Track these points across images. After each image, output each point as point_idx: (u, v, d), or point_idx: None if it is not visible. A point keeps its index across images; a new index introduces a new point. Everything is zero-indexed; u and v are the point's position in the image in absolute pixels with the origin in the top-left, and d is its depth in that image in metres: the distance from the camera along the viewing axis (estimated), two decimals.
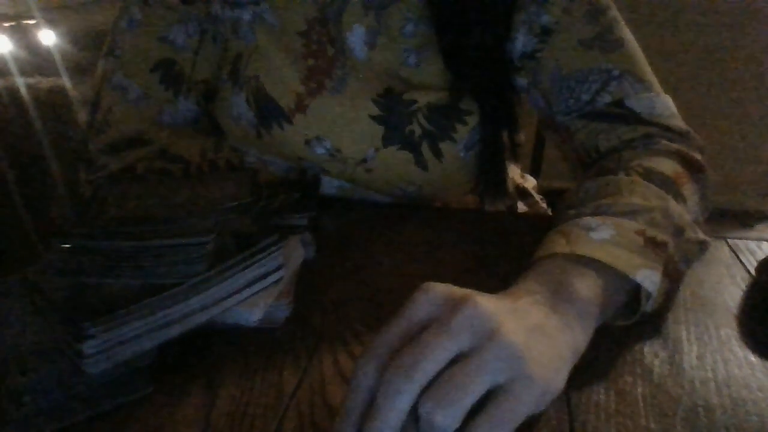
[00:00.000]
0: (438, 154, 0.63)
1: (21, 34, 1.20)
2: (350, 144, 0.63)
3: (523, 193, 0.86)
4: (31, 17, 1.27)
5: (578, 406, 0.36)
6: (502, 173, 0.70)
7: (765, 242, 0.57)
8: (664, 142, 0.56)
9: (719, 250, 0.56)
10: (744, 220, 2.07)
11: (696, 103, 1.98)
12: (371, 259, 0.55)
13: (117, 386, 0.37)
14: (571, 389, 0.36)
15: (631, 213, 0.43)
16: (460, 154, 0.63)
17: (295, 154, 0.65)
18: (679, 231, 0.44)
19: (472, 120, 0.63)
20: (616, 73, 0.58)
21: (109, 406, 0.36)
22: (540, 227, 0.49)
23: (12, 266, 0.47)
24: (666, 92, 0.60)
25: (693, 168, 0.53)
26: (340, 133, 0.63)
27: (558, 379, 0.33)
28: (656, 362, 0.40)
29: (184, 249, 0.42)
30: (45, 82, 0.93)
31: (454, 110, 0.62)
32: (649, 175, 0.49)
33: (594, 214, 0.44)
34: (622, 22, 0.61)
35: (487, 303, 0.31)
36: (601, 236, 0.41)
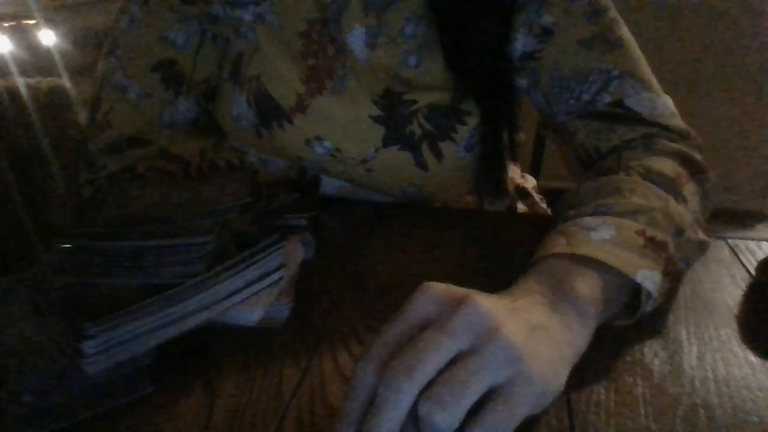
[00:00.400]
0: (438, 154, 0.63)
1: (21, 34, 1.20)
2: (350, 144, 0.63)
3: (523, 193, 0.86)
4: (31, 17, 1.27)
5: (578, 406, 0.36)
6: (502, 173, 0.70)
7: (765, 242, 0.57)
8: (665, 142, 0.56)
9: (719, 250, 0.56)
10: (744, 220, 2.07)
11: (696, 103, 1.99)
12: (371, 259, 0.55)
13: (117, 386, 0.37)
14: (571, 389, 0.36)
15: (632, 213, 0.43)
16: (460, 154, 0.63)
17: (296, 154, 0.65)
18: (679, 231, 0.44)
19: (472, 120, 0.63)
20: (616, 73, 0.58)
21: (109, 406, 0.36)
22: (540, 227, 0.49)
23: (12, 266, 0.47)
24: (666, 92, 0.60)
25: (693, 168, 0.53)
26: (341, 133, 0.63)
27: (558, 379, 0.33)
28: (656, 362, 0.40)
29: (184, 249, 0.42)
30: (45, 82, 0.92)
31: (454, 111, 0.62)
32: (650, 175, 0.49)
33: (594, 214, 0.44)
34: (622, 23, 0.61)
35: (486, 303, 0.31)
36: (601, 236, 0.41)
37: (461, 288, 0.33)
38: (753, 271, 0.51)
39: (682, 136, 0.58)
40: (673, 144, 0.55)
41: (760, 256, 0.54)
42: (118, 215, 0.48)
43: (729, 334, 0.43)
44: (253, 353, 0.42)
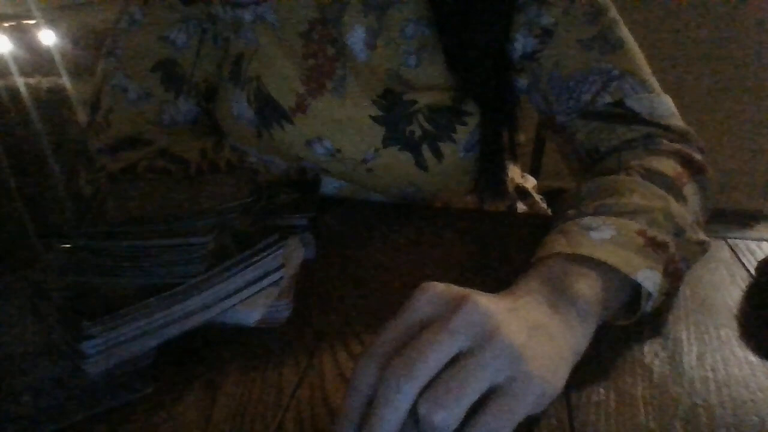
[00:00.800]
0: (438, 154, 0.63)
1: (21, 34, 1.20)
2: (350, 144, 0.63)
3: (523, 193, 0.86)
4: (31, 17, 1.27)
5: (578, 406, 0.36)
6: (502, 174, 0.70)
7: (765, 242, 0.57)
8: (665, 142, 0.56)
9: (719, 250, 0.56)
10: (744, 220, 2.07)
11: (696, 103, 1.99)
12: (371, 259, 0.55)
13: (117, 386, 0.37)
14: (571, 389, 0.36)
15: (632, 213, 0.43)
16: (460, 154, 0.63)
17: (296, 154, 0.65)
18: (679, 231, 0.44)
19: (473, 121, 0.63)
20: (616, 73, 0.58)
21: (109, 406, 0.36)
22: (540, 227, 0.49)
23: (12, 266, 0.47)
24: (665, 92, 0.60)
25: (694, 168, 0.53)
26: (341, 134, 0.63)
27: (558, 379, 0.33)
28: (656, 362, 0.40)
29: (184, 249, 0.42)
30: (45, 82, 0.92)
31: (454, 111, 0.62)
32: (650, 175, 0.49)
33: (595, 214, 0.44)
34: (622, 23, 0.61)
35: (486, 302, 0.31)
36: (601, 236, 0.41)
37: (461, 288, 0.33)
38: (753, 271, 0.51)
39: (682, 136, 0.58)
40: (673, 144, 0.55)
41: (760, 256, 0.54)
42: (118, 215, 0.48)
43: (729, 334, 0.43)
44: (253, 353, 0.42)
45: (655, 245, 0.41)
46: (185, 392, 0.38)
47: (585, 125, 0.60)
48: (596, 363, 0.39)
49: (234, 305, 0.43)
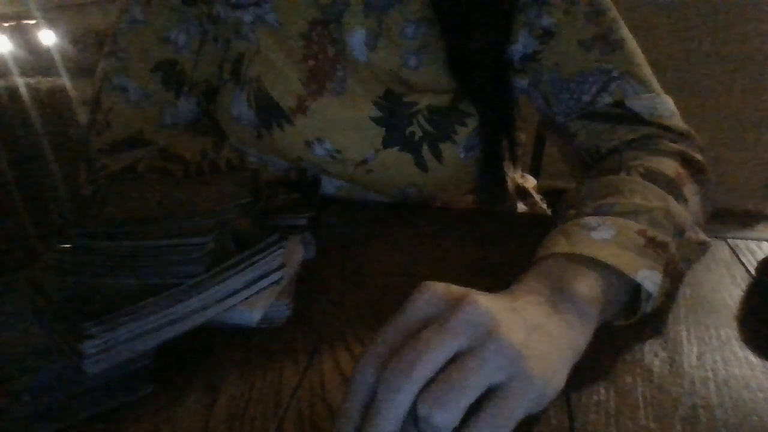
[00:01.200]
0: (438, 155, 0.63)
1: (21, 34, 1.20)
2: (350, 145, 0.63)
3: (523, 193, 0.86)
4: (31, 17, 1.27)
5: (578, 406, 0.36)
6: (502, 174, 0.70)
7: (765, 242, 0.57)
8: (665, 142, 0.56)
9: (719, 250, 0.56)
10: (744, 220, 2.07)
11: (696, 103, 1.98)
12: (371, 259, 0.55)
13: (117, 386, 0.37)
14: (571, 389, 0.36)
15: (632, 213, 0.43)
16: (460, 155, 0.63)
17: (295, 154, 0.65)
18: (679, 231, 0.44)
19: (473, 122, 0.63)
20: (616, 73, 0.58)
21: (109, 406, 0.36)
22: (540, 227, 0.49)
23: (12, 266, 0.47)
24: (665, 92, 0.60)
25: (694, 168, 0.53)
26: (341, 135, 0.63)
27: (557, 379, 0.33)
28: (656, 362, 0.40)
29: (184, 249, 0.42)
30: (45, 82, 0.92)
31: (454, 112, 0.62)
32: (650, 176, 0.49)
33: (595, 214, 0.44)
34: (622, 23, 0.61)
35: (486, 302, 0.31)
36: (601, 236, 0.41)
37: (461, 287, 0.33)
38: (753, 271, 0.51)
39: (682, 136, 0.58)
40: (673, 144, 0.55)
41: (760, 256, 0.54)
42: (118, 215, 0.48)
43: (729, 334, 0.43)
44: (253, 353, 0.42)
45: (656, 245, 0.41)
46: (185, 392, 0.38)
47: (585, 125, 0.60)
48: (596, 363, 0.39)
49: (234, 305, 0.43)
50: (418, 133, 0.62)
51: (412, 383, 0.28)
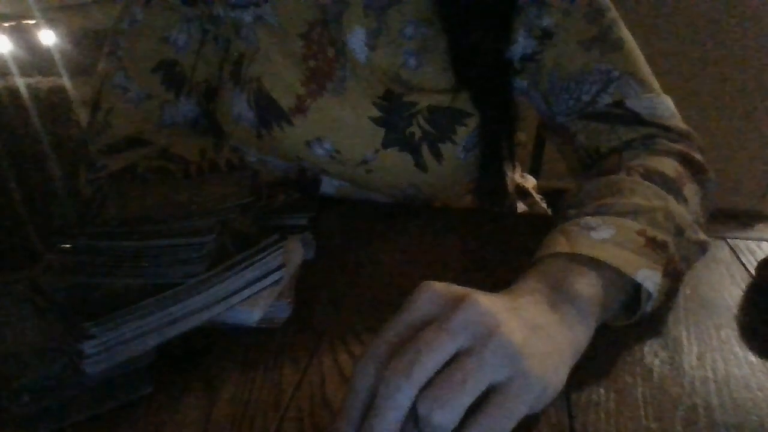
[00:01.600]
0: (438, 155, 0.63)
1: (21, 34, 1.20)
2: (350, 145, 0.63)
3: (523, 193, 0.86)
4: (31, 17, 1.27)
5: (578, 406, 0.36)
6: (502, 174, 0.70)
7: (765, 242, 0.57)
8: (665, 142, 0.56)
9: (719, 250, 0.56)
10: (744, 220, 2.07)
11: (696, 104, 1.98)
12: (371, 258, 0.55)
13: (117, 386, 0.37)
14: (571, 388, 0.36)
15: (632, 213, 0.43)
16: (459, 155, 0.63)
17: (295, 154, 0.65)
18: (679, 231, 0.44)
19: (472, 122, 0.63)
20: (616, 74, 0.58)
21: (109, 406, 0.36)
22: (540, 227, 0.49)
23: (12, 266, 0.47)
24: (665, 92, 0.60)
25: (694, 168, 0.53)
26: (341, 135, 0.63)
27: (557, 378, 0.33)
28: (656, 362, 0.40)
29: (184, 249, 0.42)
30: (45, 82, 0.92)
31: (454, 112, 0.62)
32: (650, 175, 0.49)
33: (595, 213, 0.44)
34: (622, 23, 0.61)
35: (486, 301, 0.31)
36: (601, 236, 0.41)
37: (461, 287, 0.33)
38: (753, 271, 0.51)
39: (682, 136, 0.58)
40: (673, 144, 0.55)
41: (760, 256, 0.54)
42: (118, 215, 0.48)
43: (729, 334, 0.43)
44: (253, 353, 0.42)
45: (656, 245, 0.41)
46: (185, 392, 0.38)
47: (585, 126, 0.60)
48: (596, 363, 0.39)
49: (234, 305, 0.43)
50: (418, 134, 0.62)
51: (413, 383, 0.28)
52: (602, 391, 0.37)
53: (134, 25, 0.63)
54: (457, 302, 0.31)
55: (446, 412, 0.28)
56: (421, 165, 0.63)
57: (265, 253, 0.44)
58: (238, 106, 0.64)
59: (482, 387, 0.29)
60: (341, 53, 0.63)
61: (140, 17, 0.62)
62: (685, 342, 0.42)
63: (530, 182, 0.90)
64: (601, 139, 0.60)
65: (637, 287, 0.41)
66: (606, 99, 0.59)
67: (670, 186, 0.48)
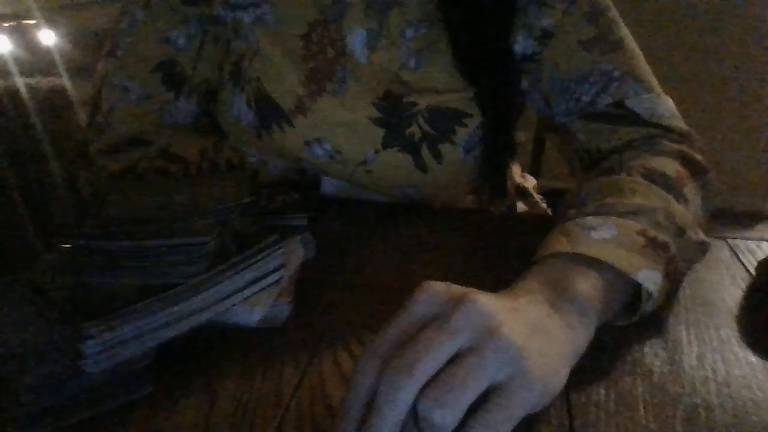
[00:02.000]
0: (437, 156, 0.63)
1: (21, 34, 1.20)
2: (350, 146, 0.63)
3: (523, 193, 0.86)
4: (31, 17, 1.27)
5: (578, 406, 0.36)
6: (502, 174, 0.70)
7: (765, 242, 0.57)
8: (666, 142, 0.56)
9: (719, 250, 0.56)
10: (744, 220, 2.07)
11: (696, 104, 1.98)
12: (371, 259, 0.55)
13: (117, 386, 0.37)
14: (571, 389, 0.36)
15: (633, 213, 0.43)
16: (459, 156, 0.63)
17: (295, 155, 0.65)
18: (680, 232, 0.44)
19: (472, 122, 0.63)
20: (616, 74, 0.58)
21: (109, 406, 0.36)
22: (540, 227, 0.49)
23: (12, 266, 0.47)
24: (665, 92, 0.60)
25: (695, 169, 0.53)
26: (341, 135, 0.63)
27: (558, 379, 0.33)
28: (656, 362, 0.40)
29: (184, 249, 0.42)
30: (45, 82, 0.92)
31: (454, 113, 0.62)
32: (651, 176, 0.49)
33: (595, 213, 0.44)
34: (622, 23, 0.61)
35: (487, 301, 0.31)
36: (602, 236, 0.41)
37: (461, 287, 0.33)
38: (753, 271, 0.51)
39: (682, 136, 0.58)
40: (674, 144, 0.55)
41: (760, 256, 0.54)
42: (118, 215, 0.48)
43: (729, 334, 0.43)
44: (253, 353, 0.42)
45: (656, 245, 0.41)
46: (185, 392, 0.38)
47: (585, 126, 0.60)
48: (596, 363, 0.39)
49: (234, 305, 0.43)
50: (418, 134, 0.62)
51: (413, 383, 0.28)
52: (602, 391, 0.37)
53: (134, 25, 0.63)
54: (457, 302, 0.31)
55: (446, 412, 0.28)
56: (420, 165, 0.63)
57: (265, 253, 0.44)
58: (238, 107, 0.64)
59: (482, 387, 0.29)
60: (341, 54, 0.63)
61: (140, 17, 0.62)
62: (685, 342, 0.42)
63: (530, 182, 0.90)
64: (601, 139, 0.60)
65: (638, 287, 0.41)
66: (606, 99, 0.59)
67: (671, 186, 0.48)
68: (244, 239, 0.45)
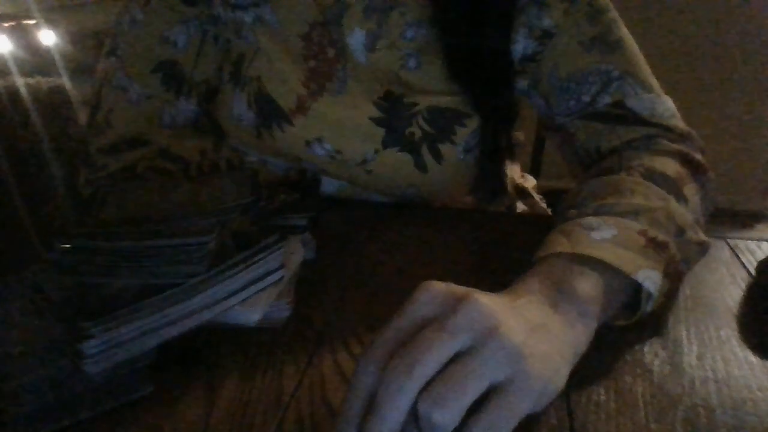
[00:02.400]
0: (437, 156, 0.63)
1: (21, 34, 1.20)
2: (350, 146, 0.63)
3: (523, 193, 0.86)
4: (31, 17, 1.27)
5: (578, 406, 0.36)
6: (502, 174, 0.70)
7: (765, 242, 0.57)
8: (666, 142, 0.56)
9: (719, 250, 0.56)
10: (744, 220, 2.07)
11: (695, 104, 1.98)
12: (371, 259, 0.55)
13: (117, 386, 0.37)
14: (571, 389, 0.36)
15: (633, 213, 0.43)
16: (459, 156, 0.63)
17: (295, 155, 0.65)
18: (680, 232, 0.44)
19: (472, 123, 0.63)
20: (616, 74, 0.58)
21: (109, 406, 0.36)
22: (540, 227, 0.49)
23: (12, 266, 0.47)
24: (665, 92, 0.60)
25: (694, 168, 0.53)
26: (341, 135, 0.63)
27: (558, 379, 0.33)
28: (656, 362, 0.40)
29: (184, 249, 0.42)
30: (45, 82, 0.92)
31: (454, 113, 0.62)
32: (651, 176, 0.49)
33: (596, 213, 0.44)
34: (622, 23, 0.61)
35: (487, 301, 0.31)
36: (602, 236, 0.41)
37: (461, 287, 0.33)
38: (753, 271, 0.51)
39: (682, 136, 0.58)
40: (674, 144, 0.55)
41: (760, 256, 0.54)
42: (118, 215, 0.48)
43: (729, 334, 0.43)
44: (253, 353, 0.42)
45: (656, 245, 0.41)
46: (185, 392, 0.38)
47: (585, 126, 0.60)
48: (596, 363, 0.39)
49: (234, 305, 0.43)
50: (418, 134, 0.62)
51: (413, 383, 0.28)
52: (602, 391, 0.37)
53: (134, 25, 0.63)
54: (457, 302, 0.31)
55: (447, 412, 0.28)
56: (420, 165, 0.63)
57: (265, 253, 0.44)
58: (238, 107, 0.64)
59: (483, 387, 0.29)
60: (341, 54, 0.63)
61: (140, 17, 0.62)
62: (685, 342, 0.42)
63: (530, 182, 0.90)
64: (601, 139, 0.60)
65: (638, 287, 0.41)
66: (606, 99, 0.59)
67: (671, 186, 0.48)
68: (244, 239, 0.45)
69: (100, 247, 0.43)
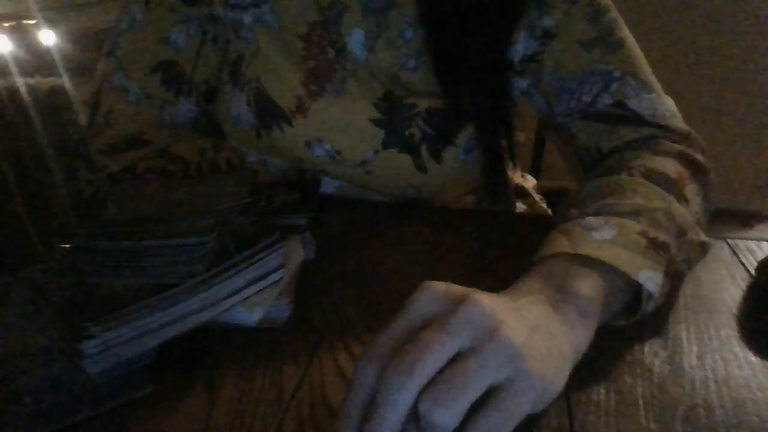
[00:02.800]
0: (437, 157, 0.63)
1: (21, 34, 1.20)
2: (350, 146, 0.63)
3: (523, 193, 0.86)
4: (31, 17, 1.27)
5: (578, 406, 0.36)
6: (502, 175, 0.70)
7: (765, 242, 0.57)
8: (666, 142, 0.56)
9: (719, 250, 0.56)
10: (744, 220, 2.07)
11: (696, 104, 1.98)
12: (371, 259, 0.55)
13: (117, 386, 0.37)
14: (571, 389, 0.36)
15: (634, 213, 0.43)
16: (459, 157, 0.63)
17: (295, 155, 0.65)
18: (681, 232, 0.44)
19: (472, 124, 0.62)
20: (617, 74, 0.58)
21: (109, 406, 0.36)
22: (540, 227, 0.49)
23: (12, 266, 0.47)
24: (666, 93, 0.60)
25: (695, 169, 0.53)
26: (340, 136, 0.63)
27: (558, 379, 0.33)
28: (656, 362, 0.40)
29: (184, 249, 0.42)
30: (45, 82, 0.92)
31: (453, 114, 0.62)
32: (652, 176, 0.49)
33: (596, 214, 0.44)
34: (623, 23, 0.61)
35: (487, 301, 0.31)
36: (603, 236, 0.41)
37: (462, 287, 0.33)
38: (753, 271, 0.51)
39: (683, 136, 0.58)
40: (674, 145, 0.55)
41: (760, 256, 0.54)
42: (118, 215, 0.48)
43: (729, 334, 0.43)
44: (253, 353, 0.42)
45: (657, 246, 0.41)
46: (185, 392, 0.38)
47: (586, 126, 0.60)
48: (596, 363, 0.39)
49: (234, 305, 0.43)
50: (418, 135, 0.62)
51: (413, 383, 0.28)
52: (602, 391, 0.37)
53: (134, 25, 0.63)
54: (457, 302, 0.31)
55: (447, 412, 0.28)
56: (420, 166, 0.63)
57: (265, 253, 0.44)
58: (238, 107, 0.64)
59: (483, 387, 0.29)
60: (341, 54, 0.63)
61: (140, 17, 0.62)
62: (685, 342, 0.42)
63: (530, 182, 0.90)
64: (602, 139, 0.59)
65: (638, 288, 0.41)
66: (607, 99, 0.59)
67: (672, 186, 0.48)
68: (244, 239, 0.45)
69: (100, 247, 0.43)
